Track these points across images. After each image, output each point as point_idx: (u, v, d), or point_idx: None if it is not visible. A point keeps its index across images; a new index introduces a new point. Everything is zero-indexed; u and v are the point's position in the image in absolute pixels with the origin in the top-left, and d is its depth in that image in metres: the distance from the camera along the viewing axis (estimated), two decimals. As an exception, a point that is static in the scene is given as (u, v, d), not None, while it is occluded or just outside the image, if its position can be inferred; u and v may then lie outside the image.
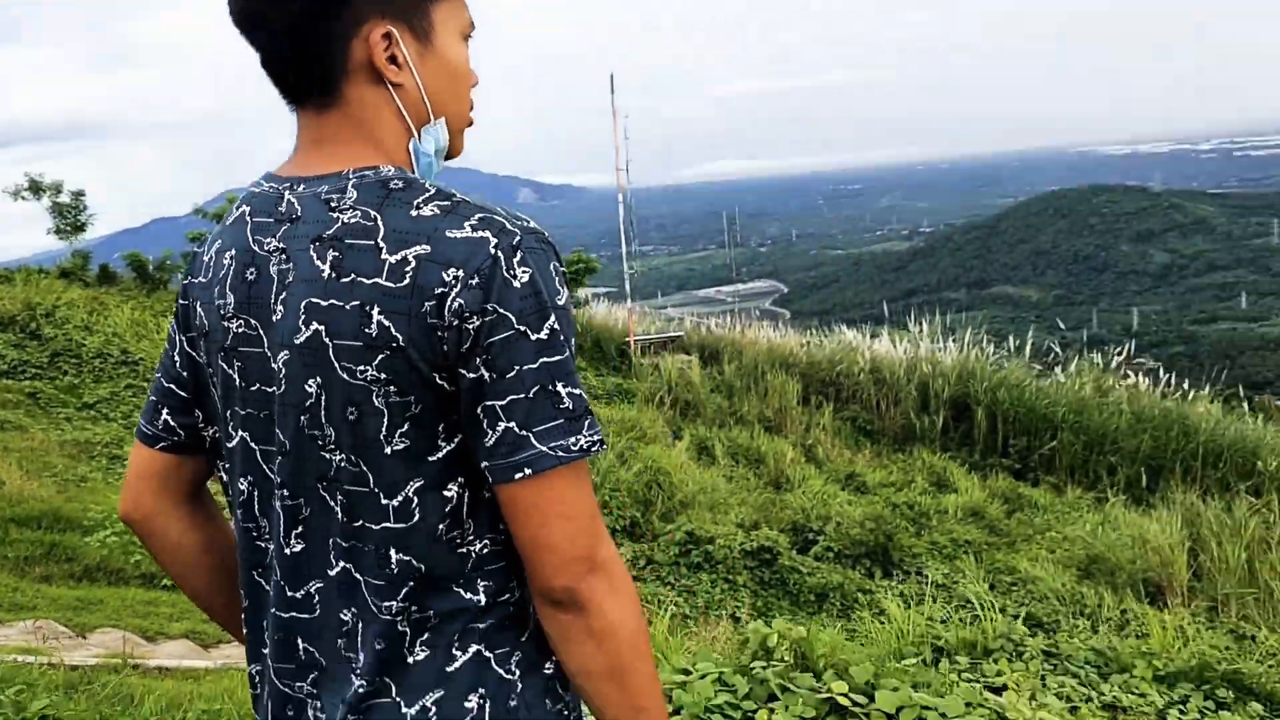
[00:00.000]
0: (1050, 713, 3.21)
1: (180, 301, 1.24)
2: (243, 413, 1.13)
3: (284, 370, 1.07)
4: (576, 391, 1.06)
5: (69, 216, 16.05)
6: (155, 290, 14.41)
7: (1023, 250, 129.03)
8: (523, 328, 1.02)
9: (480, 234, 1.03)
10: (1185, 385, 13.86)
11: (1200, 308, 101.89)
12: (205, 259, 1.19)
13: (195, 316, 1.18)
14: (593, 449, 1.05)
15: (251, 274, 1.11)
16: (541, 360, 1.03)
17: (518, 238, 1.04)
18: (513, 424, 1.03)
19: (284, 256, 1.08)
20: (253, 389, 1.12)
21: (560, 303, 1.05)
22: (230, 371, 1.13)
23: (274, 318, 1.08)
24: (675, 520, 8.45)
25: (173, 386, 1.24)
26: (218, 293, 1.14)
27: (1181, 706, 3.95)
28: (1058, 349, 15.71)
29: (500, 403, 1.03)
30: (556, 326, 1.04)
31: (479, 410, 1.03)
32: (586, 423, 1.06)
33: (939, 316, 16.27)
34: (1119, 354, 14.70)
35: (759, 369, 14.06)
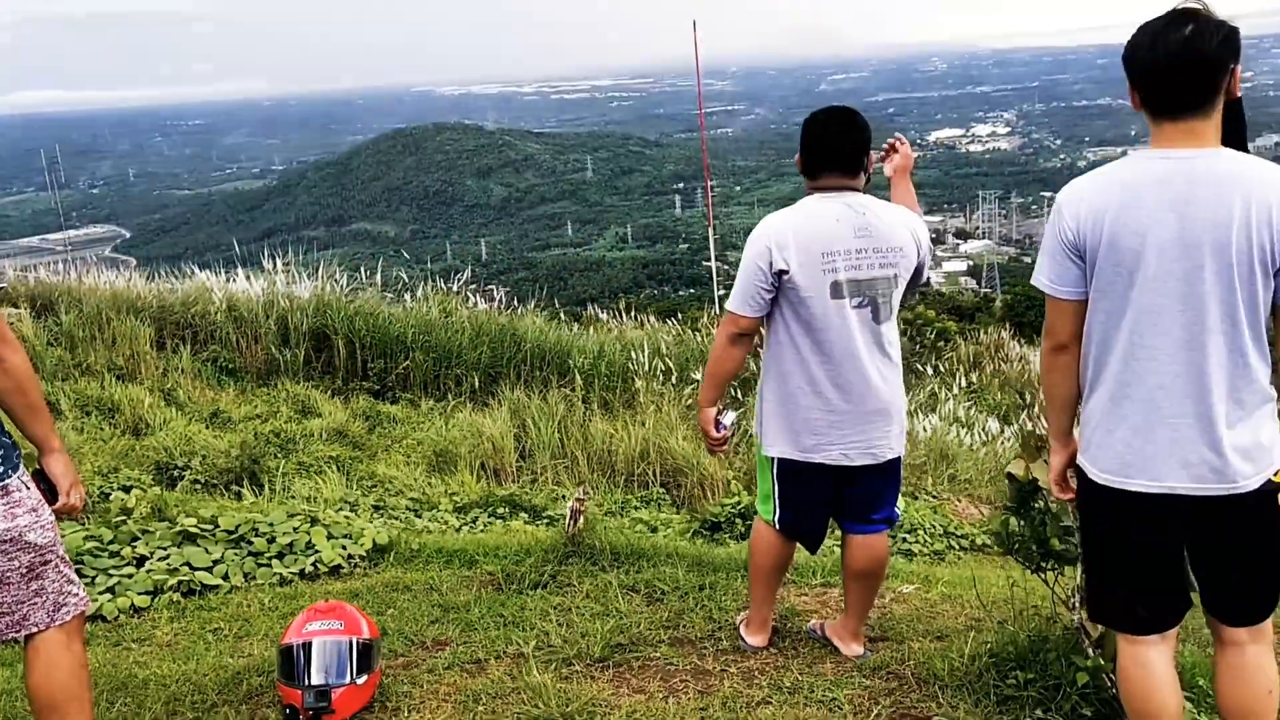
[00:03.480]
0: (372, 533, 4.25)
1: None
2: None
3: None
4: None
5: None
6: None
7: (376, 187, 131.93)
8: None
9: None
10: (516, 304, 15.86)
11: (536, 237, 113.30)
12: None
13: None
14: None
15: None
16: None
17: None
18: None
19: None
20: None
21: None
22: None
23: None
24: (21, 476, 8.15)
25: None
26: None
27: (472, 523, 5.38)
28: (405, 278, 16.69)
29: None
30: None
31: None
32: None
33: (299, 254, 16.44)
34: (460, 280, 16.14)
35: (104, 316, 13.16)
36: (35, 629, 2.40)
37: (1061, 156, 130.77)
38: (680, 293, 71.93)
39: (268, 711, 3.09)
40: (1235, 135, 2.34)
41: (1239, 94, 2.32)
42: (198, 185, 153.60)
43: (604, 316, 17.46)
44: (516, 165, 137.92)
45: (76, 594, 2.48)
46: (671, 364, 12.09)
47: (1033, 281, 2.49)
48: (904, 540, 5.83)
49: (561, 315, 16.37)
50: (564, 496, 9.01)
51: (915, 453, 8.80)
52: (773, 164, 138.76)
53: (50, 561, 2.41)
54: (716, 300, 14.11)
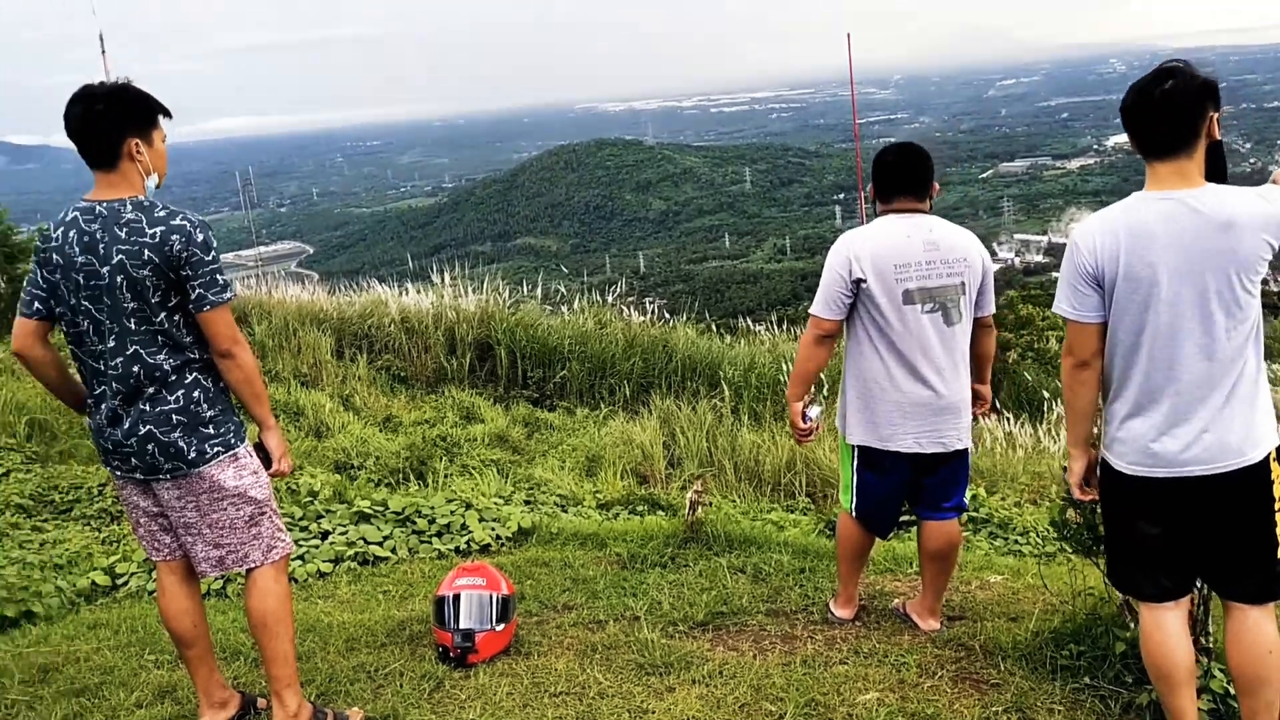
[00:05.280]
0: (517, 517, 4.81)
1: (40, 252, 2.99)
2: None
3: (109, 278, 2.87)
4: (223, 279, 2.96)
5: None
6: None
7: (540, 203, 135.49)
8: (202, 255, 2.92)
9: (181, 220, 2.90)
10: (669, 316, 16.33)
11: (693, 249, 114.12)
12: (54, 234, 2.78)
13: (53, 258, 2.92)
14: (231, 298, 2.96)
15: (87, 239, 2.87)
16: (213, 266, 2.93)
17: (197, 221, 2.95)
18: (202, 290, 2.91)
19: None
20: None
21: (214, 245, 2.96)
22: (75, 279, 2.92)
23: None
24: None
25: (36, 291, 2.99)
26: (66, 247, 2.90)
27: (613, 518, 5.85)
28: (564, 291, 17.33)
29: (195, 280, 2.91)
30: (213, 254, 2.93)
31: (188, 285, 2.92)
32: (229, 289, 2.97)
33: (465, 268, 17.45)
34: (614, 292, 16.69)
35: (290, 327, 14.24)
36: (253, 565, 3.13)
37: (1252, 160, 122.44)
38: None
39: (425, 650, 3.78)
40: (1217, 171, 2.71)
41: (1219, 136, 2.69)
42: (374, 203, 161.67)
43: (758, 329, 17.67)
44: (675, 179, 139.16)
45: (284, 540, 3.21)
46: (823, 376, 12.23)
47: (1054, 309, 2.91)
48: (1015, 542, 6.09)
49: (714, 327, 16.63)
50: (705, 500, 9.44)
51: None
52: (935, 173, 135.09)
53: (266, 513, 3.14)
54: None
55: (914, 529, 4.37)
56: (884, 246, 3.60)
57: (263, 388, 3.06)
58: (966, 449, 3.73)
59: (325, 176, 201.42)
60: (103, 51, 15.41)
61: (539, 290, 16.08)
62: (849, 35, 15.19)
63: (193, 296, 2.91)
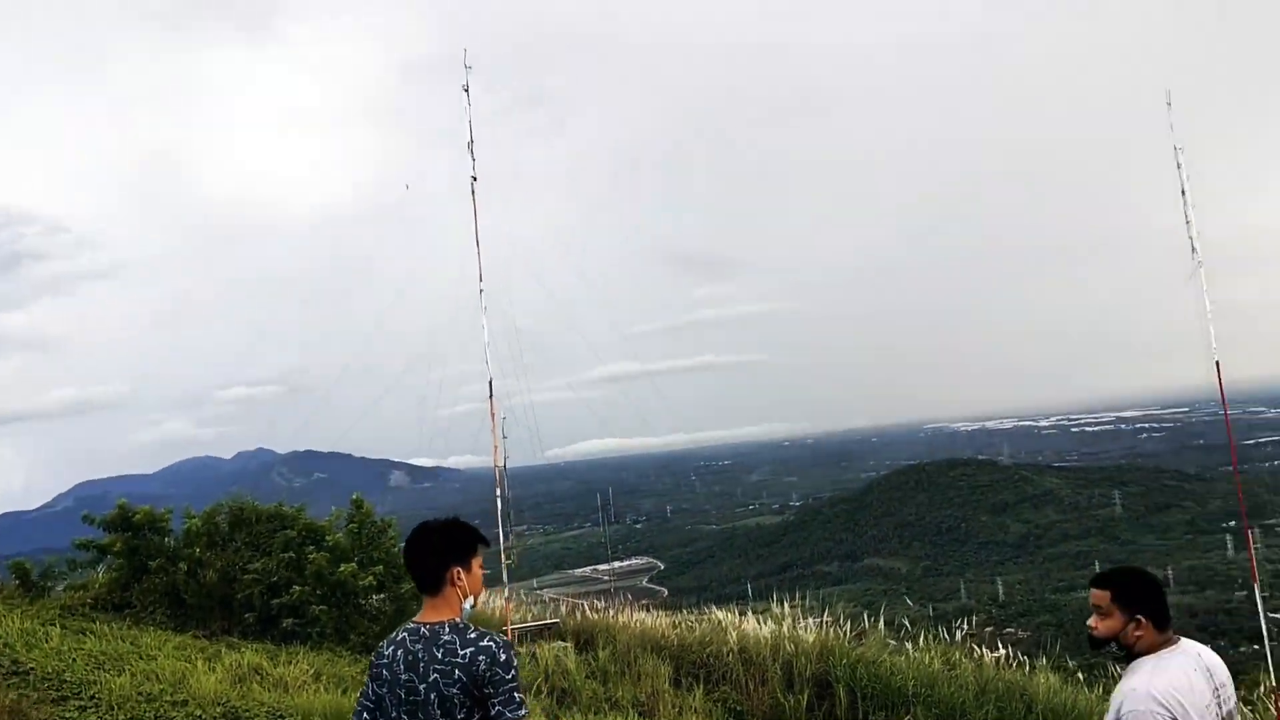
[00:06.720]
0: None
1: (373, 666, 3.34)
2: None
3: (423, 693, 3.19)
4: (520, 697, 3.17)
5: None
6: (39, 598, 13.90)
7: (888, 523, 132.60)
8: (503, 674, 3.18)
9: (488, 641, 3.20)
10: (1025, 656, 14.91)
11: (1059, 576, 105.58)
12: (385, 651, 3.09)
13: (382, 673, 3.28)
14: (525, 715, 3.15)
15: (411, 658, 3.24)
16: (512, 685, 3.16)
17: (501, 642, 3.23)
18: (501, 707, 3.12)
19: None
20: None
21: (515, 664, 3.23)
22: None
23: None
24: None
25: (366, 703, 3.32)
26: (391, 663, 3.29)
27: None
28: (909, 625, 16.44)
29: (496, 698, 3.13)
30: (513, 674, 3.17)
31: (489, 702, 3.14)
32: (523, 707, 3.17)
33: (810, 591, 17.02)
34: (965, 625, 15.58)
35: (632, 653, 14.38)
36: None
37: None
38: (1240, 649, 61.99)
39: None
40: None
41: None
42: (723, 521, 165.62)
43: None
44: (1035, 500, 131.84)
45: None
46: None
47: None
48: None
49: (1079, 675, 15.01)
50: None
51: None
52: None
53: None
54: (1272, 666, 12.25)
55: None
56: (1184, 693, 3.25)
57: None
58: None
59: (679, 494, 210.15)
60: (490, 396, 17.44)
61: (881, 622, 15.34)
62: (1218, 363, 14.10)
63: (492, 713, 3.16)
